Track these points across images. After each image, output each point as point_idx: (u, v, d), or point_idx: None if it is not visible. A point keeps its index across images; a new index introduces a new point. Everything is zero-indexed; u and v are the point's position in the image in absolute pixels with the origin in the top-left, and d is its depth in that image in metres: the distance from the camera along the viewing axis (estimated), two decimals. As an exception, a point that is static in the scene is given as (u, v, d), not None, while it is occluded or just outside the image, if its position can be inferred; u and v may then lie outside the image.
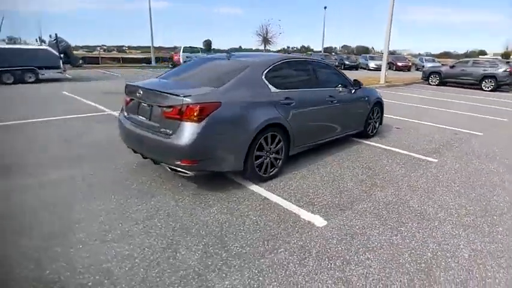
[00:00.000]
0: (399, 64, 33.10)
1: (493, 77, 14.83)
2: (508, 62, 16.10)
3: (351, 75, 6.24)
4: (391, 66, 32.99)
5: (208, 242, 2.44)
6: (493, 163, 4.51)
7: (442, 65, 19.79)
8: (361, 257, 2.32)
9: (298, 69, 4.16)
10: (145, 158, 3.42)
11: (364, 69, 31.95)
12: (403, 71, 31.52)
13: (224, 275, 2.09)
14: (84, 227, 2.58)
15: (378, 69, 30.57)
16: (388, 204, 3.16)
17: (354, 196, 3.31)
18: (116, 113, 6.88)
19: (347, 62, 31.98)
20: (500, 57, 36.50)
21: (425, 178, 3.87)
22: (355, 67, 31.81)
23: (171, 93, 3.00)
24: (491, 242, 2.57)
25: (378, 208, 3.07)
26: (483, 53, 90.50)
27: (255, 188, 3.40)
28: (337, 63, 28.99)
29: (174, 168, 3.06)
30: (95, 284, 1.97)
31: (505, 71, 14.71)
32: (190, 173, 3.04)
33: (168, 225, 2.65)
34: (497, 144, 5.57)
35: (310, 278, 2.08)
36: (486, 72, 15.08)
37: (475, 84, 15.44)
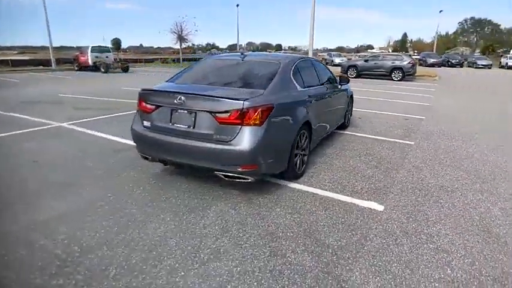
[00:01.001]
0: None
1: (400, 68, 17.93)
2: (410, 56, 19.65)
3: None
4: None
5: (305, 241, 2.53)
6: (456, 141, 5.67)
7: (350, 59, 22.81)
8: (434, 228, 2.78)
9: (308, 68, 4.44)
10: (172, 165, 3.23)
11: None
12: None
13: (348, 267, 2.24)
14: (168, 254, 2.34)
15: None
16: (414, 183, 3.75)
17: (381, 180, 3.79)
18: (67, 124, 6.02)
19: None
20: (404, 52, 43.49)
21: (419, 159, 4.65)
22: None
23: (228, 98, 2.91)
24: (504, 200, 3.35)
25: (409, 188, 3.61)
26: (370, 47, 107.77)
27: (295, 185, 3.56)
28: None
29: (233, 175, 2.99)
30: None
31: (408, 63, 17.99)
32: (250, 179, 3.02)
33: (250, 233, 2.62)
34: (442, 124, 6.94)
35: (416, 253, 2.42)
36: (394, 64, 18.12)
37: (386, 75, 18.38)
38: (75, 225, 2.67)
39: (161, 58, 36.03)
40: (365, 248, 2.48)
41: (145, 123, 3.31)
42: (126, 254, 2.32)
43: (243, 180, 3.05)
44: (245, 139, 2.85)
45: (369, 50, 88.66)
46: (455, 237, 2.65)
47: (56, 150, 4.65)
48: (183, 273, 2.14)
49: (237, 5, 41.42)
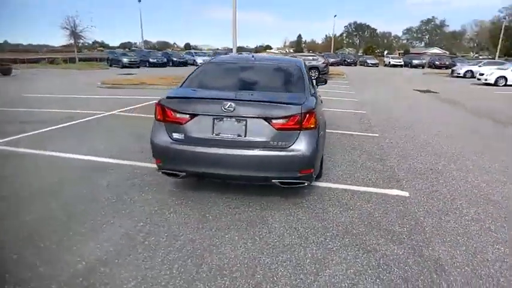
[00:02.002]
0: (225, 60, 37.30)
1: (316, 68, 19.92)
2: (323, 56, 21.96)
3: (183, 71, 7.22)
4: None
5: (380, 233, 2.78)
6: (406, 130, 6.76)
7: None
8: (456, 204, 3.39)
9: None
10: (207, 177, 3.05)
11: (193, 65, 33.69)
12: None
13: (431, 247, 2.59)
14: (281, 274, 2.26)
15: None
16: (411, 170, 4.41)
17: (383, 170, 4.33)
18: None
19: (175, 59, 32.75)
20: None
21: (395, 148, 5.43)
22: (184, 63, 33.03)
23: (286, 103, 2.89)
24: (478, 173, 4.28)
25: (416, 174, 4.23)
26: (269, 47, 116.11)
27: (320, 184, 3.77)
28: (164, 61, 29.31)
29: (290, 181, 3.00)
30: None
31: (323, 63, 20.17)
32: (306, 183, 3.08)
33: (327, 235, 2.72)
34: (382, 116, 8.16)
35: (463, 225, 2.93)
36: (311, 64, 20.00)
37: (304, 74, 20.22)
38: (138, 267, 2.28)
39: (49, 58, 30.90)
40: (426, 228, 2.88)
41: (176, 135, 3.00)
42: (241, 285, 2.13)
43: (299, 186, 3.10)
44: (305, 143, 2.90)
45: (267, 51, 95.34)
46: (465, 203, 3.31)
47: (26, 182, 3.70)
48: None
49: (139, 0, 38.92)
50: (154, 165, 3.92)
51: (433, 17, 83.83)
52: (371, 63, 40.65)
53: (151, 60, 28.93)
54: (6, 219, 2.86)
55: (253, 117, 2.89)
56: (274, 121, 2.87)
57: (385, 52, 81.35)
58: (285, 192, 3.46)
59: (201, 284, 2.12)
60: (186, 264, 2.31)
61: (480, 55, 61.05)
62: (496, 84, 17.54)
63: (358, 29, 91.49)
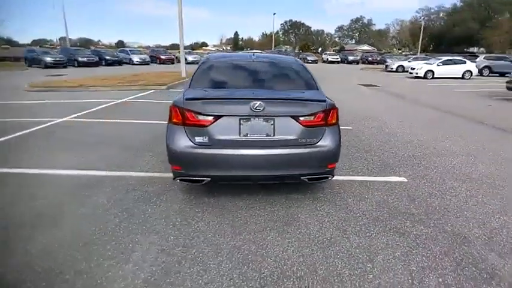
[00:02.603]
0: (163, 57, 36.02)
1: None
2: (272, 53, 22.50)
3: (123, 71, 7.29)
4: (153, 59, 35.49)
5: (403, 218, 3.05)
6: (377, 122, 7.37)
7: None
8: (448, 184, 3.87)
9: None
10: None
11: (128, 64, 31.86)
12: (167, 64, 34.20)
13: (450, 224, 2.93)
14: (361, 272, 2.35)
15: (143, 63, 32.20)
16: (401, 158, 4.86)
17: (375, 161, 4.71)
18: None
19: (108, 57, 30.59)
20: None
21: (374, 140, 5.92)
22: (118, 62, 31.05)
23: (312, 100, 2.98)
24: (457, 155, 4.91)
25: (402, 162, 4.68)
26: (205, 44, 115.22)
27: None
28: (96, 59, 27.21)
29: (318, 176, 3.11)
30: None
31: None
32: (330, 177, 3.22)
33: (364, 225, 2.90)
34: (348, 112, 8.77)
35: (463, 201, 3.37)
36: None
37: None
38: (197, 283, 2.17)
39: None
40: (437, 208, 3.25)
41: (199, 139, 2.89)
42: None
43: (324, 180, 3.23)
44: (330, 138, 3.05)
45: (203, 48, 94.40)
46: (455, 183, 3.82)
47: (11, 208, 3.17)
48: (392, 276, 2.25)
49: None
50: (149, 174, 3.73)
51: (361, 16, 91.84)
52: (311, 60, 42.89)
53: (80, 59, 26.36)
54: (11, 255, 2.46)
55: (282, 116, 2.93)
56: (301, 118, 2.95)
57: (320, 49, 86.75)
58: (299, 188, 3.57)
59: None
60: (245, 272, 2.27)
61: (403, 51, 68.54)
62: (425, 77, 19.97)
63: (294, 27, 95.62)
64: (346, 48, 73.29)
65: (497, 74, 22.18)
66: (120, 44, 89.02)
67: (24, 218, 2.91)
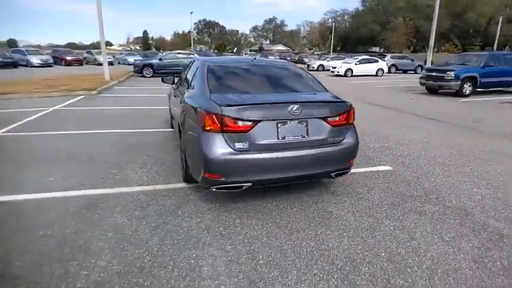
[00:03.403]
0: (68, 59, 32.60)
1: (195, 66, 20.18)
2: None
3: (27, 75, 7.22)
4: (57, 61, 31.77)
5: (410, 199, 3.59)
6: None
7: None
8: (425, 168, 4.61)
9: None
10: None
11: (26, 66, 28.02)
12: (75, 66, 31.19)
13: (441, 198, 3.57)
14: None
15: (45, 65, 28.49)
16: (377, 149, 5.52)
17: (360, 152, 5.28)
18: None
19: (1, 59, 26.34)
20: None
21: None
22: (13, 64, 27.02)
23: (337, 101, 3.26)
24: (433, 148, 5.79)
25: (380, 153, 5.33)
26: (109, 44, 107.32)
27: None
28: None
29: (341, 173, 3.43)
30: None
31: (201, 60, 20.57)
32: (348, 171, 3.56)
33: (393, 210, 3.33)
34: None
35: (451, 183, 4.11)
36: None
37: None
38: (288, 286, 2.27)
39: None
40: (433, 189, 3.89)
41: (239, 145, 2.92)
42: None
43: (344, 174, 3.56)
44: (352, 136, 3.41)
45: (108, 47, 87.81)
46: (438, 170, 4.61)
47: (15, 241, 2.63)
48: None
49: None
50: (152, 187, 3.69)
51: (274, 17, 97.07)
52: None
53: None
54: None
55: (314, 118, 3.16)
56: (329, 119, 3.23)
57: (235, 49, 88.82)
58: (313, 185, 3.85)
59: (356, 276, 2.34)
60: (322, 266, 2.44)
61: (314, 51, 74.87)
62: (345, 75, 22.35)
63: (208, 26, 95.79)
64: (255, 49, 76.76)
65: (401, 71, 26.17)
66: (13, 43, 76.45)
67: (44, 257, 2.52)
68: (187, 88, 4.11)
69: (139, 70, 19.91)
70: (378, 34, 55.70)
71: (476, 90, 12.85)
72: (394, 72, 26.48)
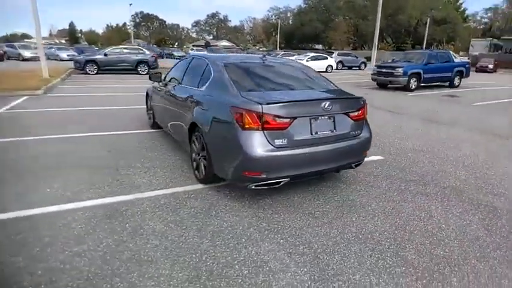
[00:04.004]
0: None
1: (145, 62, 19.32)
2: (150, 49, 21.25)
3: None
4: None
5: (408, 183, 4.05)
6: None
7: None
8: (410, 155, 5.18)
9: None
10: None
11: None
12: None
13: (430, 182, 4.11)
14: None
15: None
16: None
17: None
18: None
19: None
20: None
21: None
22: None
23: (357, 97, 3.53)
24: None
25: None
26: (27, 36, 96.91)
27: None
28: None
29: (358, 164, 3.74)
30: None
31: (152, 56, 19.76)
32: (363, 162, 3.90)
33: (408, 195, 3.73)
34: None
35: (443, 167, 4.69)
36: (139, 58, 19.21)
37: (132, 69, 19.15)
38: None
39: None
40: (421, 172, 4.41)
41: (278, 141, 3.05)
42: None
43: (360, 165, 3.88)
44: (367, 129, 3.74)
45: (26, 40, 79.50)
46: (425, 159, 5.20)
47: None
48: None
49: None
50: (171, 190, 3.68)
51: (217, 12, 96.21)
52: (178, 56, 42.60)
53: None
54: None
55: (340, 113, 3.41)
56: (351, 114, 3.50)
57: (176, 44, 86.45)
58: (324, 178, 4.11)
59: (404, 252, 2.65)
60: (375, 247, 2.71)
61: (259, 48, 76.09)
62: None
63: (146, 20, 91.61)
64: (200, 44, 75.79)
65: (347, 68, 28.02)
66: None
67: (97, 274, 2.40)
68: (197, 86, 4.06)
69: (81, 66, 18.46)
70: (321, 32, 58.69)
71: (420, 85, 14.40)
72: (341, 69, 28.28)
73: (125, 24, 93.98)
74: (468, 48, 42.03)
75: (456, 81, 15.44)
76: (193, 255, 2.56)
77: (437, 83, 15.38)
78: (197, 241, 2.75)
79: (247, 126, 3.00)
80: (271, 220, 3.11)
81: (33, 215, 3.08)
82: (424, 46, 42.15)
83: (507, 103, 11.50)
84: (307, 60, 23.95)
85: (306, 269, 2.43)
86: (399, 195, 3.72)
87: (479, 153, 5.39)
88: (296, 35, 63.39)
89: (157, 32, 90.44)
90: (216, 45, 67.13)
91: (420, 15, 48.72)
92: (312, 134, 3.24)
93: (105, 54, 19.05)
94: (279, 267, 2.44)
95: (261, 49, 69.87)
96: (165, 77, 5.56)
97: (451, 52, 17.14)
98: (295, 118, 3.12)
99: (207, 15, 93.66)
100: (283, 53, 33.60)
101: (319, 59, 24.65)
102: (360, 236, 2.88)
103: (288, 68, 4.27)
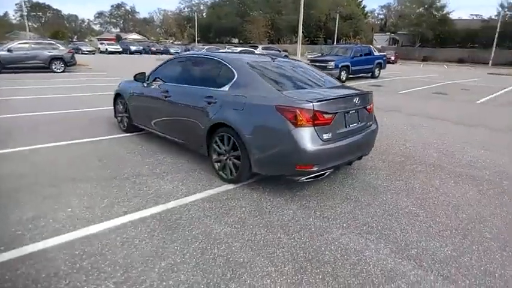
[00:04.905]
0: None
1: (61, 58, 17.30)
2: (63, 43, 18.98)
3: None
4: None
5: (400, 169, 4.79)
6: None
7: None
8: (397, 143, 5.99)
9: None
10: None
11: None
12: None
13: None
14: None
15: None
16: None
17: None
18: None
19: None
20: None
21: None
22: None
23: (369, 92, 4.01)
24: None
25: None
26: None
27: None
28: None
29: (369, 151, 4.27)
30: None
31: (68, 52, 17.76)
32: (371, 149, 4.46)
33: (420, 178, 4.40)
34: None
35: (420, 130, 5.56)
36: (53, 54, 17.08)
37: (45, 67, 16.97)
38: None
39: None
40: (414, 157, 5.21)
41: (326, 135, 3.36)
42: None
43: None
44: (375, 121, 4.27)
45: None
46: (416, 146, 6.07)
47: None
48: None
49: None
50: (207, 193, 3.74)
51: (122, 2, 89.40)
52: (87, 51, 38.87)
53: None
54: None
55: (362, 107, 3.87)
56: (367, 107, 3.99)
57: (75, 37, 78.19)
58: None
59: (441, 227, 3.23)
60: (413, 226, 3.23)
61: (173, 41, 73.72)
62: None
63: (36, 9, 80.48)
64: (106, 37, 70.25)
65: (273, 61, 29.25)
66: None
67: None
68: (215, 87, 4.07)
69: (-23, 66, 15.65)
70: (239, 25, 59.58)
71: (349, 76, 16.08)
72: (268, 62, 29.38)
73: (6, 13, 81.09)
74: (372, 41, 47.76)
75: (376, 72, 17.65)
76: (282, 250, 2.72)
77: (362, 74, 17.35)
78: (274, 237, 2.90)
79: (300, 123, 3.23)
80: (322, 209, 3.41)
81: (81, 238, 2.82)
82: (335, 40, 46.49)
83: (425, 90, 13.72)
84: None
85: (383, 244, 2.82)
86: (411, 177, 4.36)
87: (439, 135, 6.50)
88: (213, 28, 63.22)
89: (50, 24, 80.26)
90: (126, 39, 62.91)
91: (329, 11, 53.42)
92: (346, 127, 3.63)
93: (9, 50, 16.44)
94: (361, 247, 2.78)
95: (174, 43, 67.83)
96: (148, 77, 5.33)
97: (371, 46, 19.41)
98: (336, 113, 3.47)
99: (112, 6, 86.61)
100: (207, 47, 33.34)
101: (247, 53, 25.20)
102: (401, 211, 3.40)
103: (302, 66, 4.60)
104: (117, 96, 6.07)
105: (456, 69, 33.36)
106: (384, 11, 68.43)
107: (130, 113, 5.70)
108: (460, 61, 43.11)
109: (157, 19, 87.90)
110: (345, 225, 3.12)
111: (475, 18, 49.94)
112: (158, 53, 43.17)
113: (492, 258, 2.69)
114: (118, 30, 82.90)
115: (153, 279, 2.35)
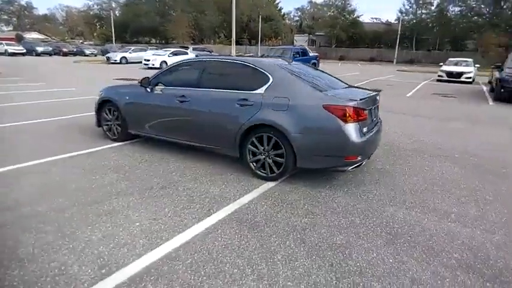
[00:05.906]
0: None
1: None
2: None
3: None
4: None
5: (391, 155, 5.70)
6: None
7: None
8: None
9: None
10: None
11: None
12: None
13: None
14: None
15: None
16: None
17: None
18: None
19: None
20: None
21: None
22: None
23: (379, 90, 4.69)
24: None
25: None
26: None
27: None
28: None
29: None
30: None
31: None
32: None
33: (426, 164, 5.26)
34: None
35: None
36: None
37: None
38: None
39: None
40: (411, 147, 6.16)
41: (364, 129, 3.96)
42: None
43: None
44: (380, 117, 5.03)
45: None
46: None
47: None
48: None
49: None
50: (258, 192, 3.92)
51: (15, -4, 78.04)
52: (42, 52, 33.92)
53: None
54: None
55: (377, 104, 4.59)
56: (378, 104, 4.70)
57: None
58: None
59: (471, 205, 4.09)
60: (437, 209, 4.03)
61: (83, 41, 67.55)
62: (161, 67, 22.88)
63: None
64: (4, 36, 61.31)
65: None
66: None
67: None
68: (248, 90, 4.28)
69: None
70: (159, 25, 57.28)
71: (291, 76, 17.22)
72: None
73: None
74: (293, 42, 50.86)
75: (312, 71, 19.19)
76: (364, 228, 3.21)
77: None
78: (346, 220, 3.37)
79: (350, 119, 3.74)
80: (364, 194, 4.00)
81: (177, 248, 2.90)
82: (259, 41, 48.27)
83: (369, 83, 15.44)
84: (168, 56, 23.87)
85: (429, 215, 3.52)
86: (422, 165, 5.21)
87: (402, 125, 7.66)
88: (131, 27, 59.70)
89: None
90: (24, 38, 55.67)
91: (250, 12, 55.12)
92: (371, 121, 4.29)
93: None
94: (416, 220, 3.43)
95: (84, 43, 62.40)
96: (150, 81, 5.24)
97: (306, 47, 20.94)
98: (369, 110, 4.12)
99: (2, 1, 75.05)
100: (134, 48, 31.61)
101: (181, 54, 24.90)
102: (429, 185, 4.18)
103: (309, 68, 5.16)
104: (104, 103, 5.76)
105: (369, 67, 37.75)
106: (299, 13, 73.47)
107: (126, 120, 5.50)
108: (371, 60, 49.19)
109: (59, 16, 79.39)
110: (391, 203, 3.74)
111: (375, 21, 56.96)
112: (71, 54, 39.36)
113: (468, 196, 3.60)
114: (11, 28, 72.43)
115: (279, 270, 2.62)
